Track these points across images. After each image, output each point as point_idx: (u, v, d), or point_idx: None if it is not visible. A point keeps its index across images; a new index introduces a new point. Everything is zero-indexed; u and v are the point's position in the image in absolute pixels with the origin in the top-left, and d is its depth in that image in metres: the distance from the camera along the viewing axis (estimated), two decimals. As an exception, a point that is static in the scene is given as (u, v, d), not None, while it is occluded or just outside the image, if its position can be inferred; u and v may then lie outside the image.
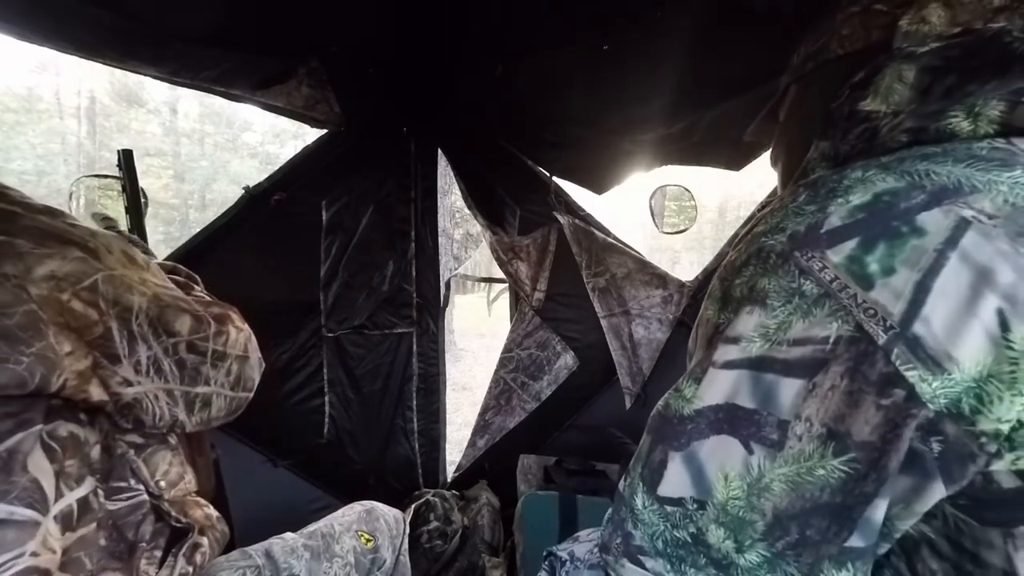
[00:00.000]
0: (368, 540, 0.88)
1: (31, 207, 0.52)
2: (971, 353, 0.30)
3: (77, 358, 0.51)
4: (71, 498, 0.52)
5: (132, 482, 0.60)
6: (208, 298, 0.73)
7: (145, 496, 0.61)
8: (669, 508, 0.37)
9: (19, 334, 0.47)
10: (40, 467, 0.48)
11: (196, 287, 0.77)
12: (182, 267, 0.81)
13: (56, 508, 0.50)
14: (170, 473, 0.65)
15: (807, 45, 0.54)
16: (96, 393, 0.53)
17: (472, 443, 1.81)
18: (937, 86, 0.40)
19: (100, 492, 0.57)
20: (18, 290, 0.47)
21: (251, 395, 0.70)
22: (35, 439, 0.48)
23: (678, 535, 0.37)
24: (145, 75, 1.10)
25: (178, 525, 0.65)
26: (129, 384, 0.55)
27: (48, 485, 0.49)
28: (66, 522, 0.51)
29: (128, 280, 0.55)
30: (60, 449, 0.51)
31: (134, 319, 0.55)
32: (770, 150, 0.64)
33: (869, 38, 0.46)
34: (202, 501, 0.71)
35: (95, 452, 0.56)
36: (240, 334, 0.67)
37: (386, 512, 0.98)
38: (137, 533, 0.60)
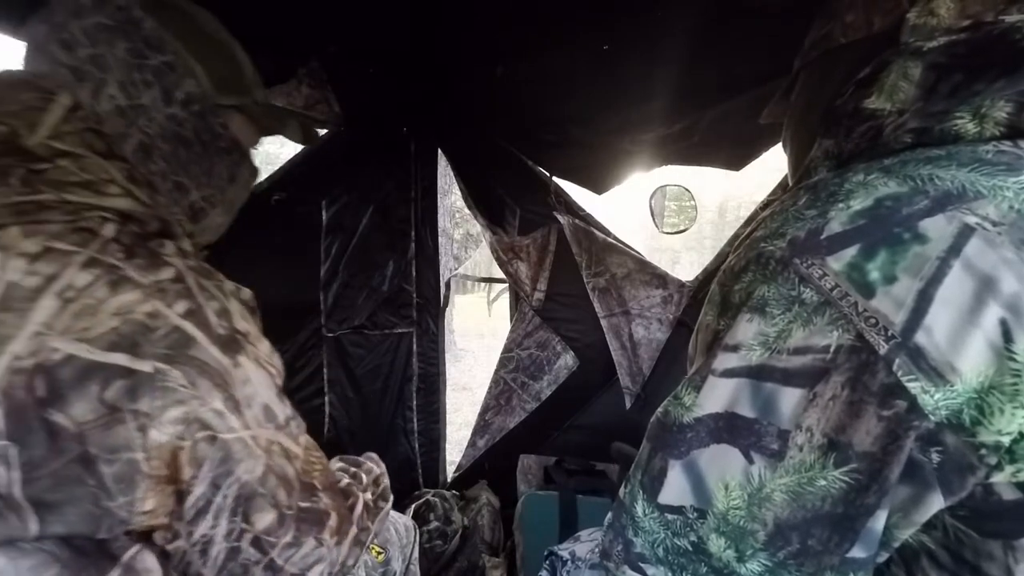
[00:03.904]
0: (379, 553, 0.86)
1: (212, 332, 0.45)
2: (973, 364, 0.29)
3: (154, 516, 0.45)
4: None
5: None
6: (313, 459, 0.58)
7: None
8: (670, 516, 0.37)
9: (109, 485, 0.41)
10: None
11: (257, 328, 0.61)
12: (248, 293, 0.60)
13: None
14: None
15: (815, 29, 0.53)
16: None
17: (472, 443, 1.81)
18: (943, 84, 0.38)
19: None
20: (138, 433, 0.41)
21: None
22: None
23: (679, 543, 0.37)
24: (144, 75, 1.09)
25: None
26: (170, 541, 0.48)
27: None
28: None
29: (248, 444, 0.48)
30: None
31: (224, 487, 0.47)
32: (782, 131, 0.63)
33: (872, 27, 0.45)
34: None
35: None
36: (317, 550, 0.56)
37: (396, 520, 0.96)
38: None
